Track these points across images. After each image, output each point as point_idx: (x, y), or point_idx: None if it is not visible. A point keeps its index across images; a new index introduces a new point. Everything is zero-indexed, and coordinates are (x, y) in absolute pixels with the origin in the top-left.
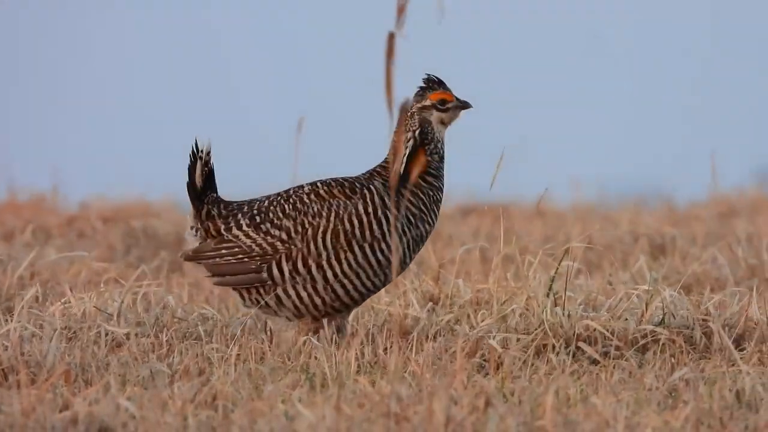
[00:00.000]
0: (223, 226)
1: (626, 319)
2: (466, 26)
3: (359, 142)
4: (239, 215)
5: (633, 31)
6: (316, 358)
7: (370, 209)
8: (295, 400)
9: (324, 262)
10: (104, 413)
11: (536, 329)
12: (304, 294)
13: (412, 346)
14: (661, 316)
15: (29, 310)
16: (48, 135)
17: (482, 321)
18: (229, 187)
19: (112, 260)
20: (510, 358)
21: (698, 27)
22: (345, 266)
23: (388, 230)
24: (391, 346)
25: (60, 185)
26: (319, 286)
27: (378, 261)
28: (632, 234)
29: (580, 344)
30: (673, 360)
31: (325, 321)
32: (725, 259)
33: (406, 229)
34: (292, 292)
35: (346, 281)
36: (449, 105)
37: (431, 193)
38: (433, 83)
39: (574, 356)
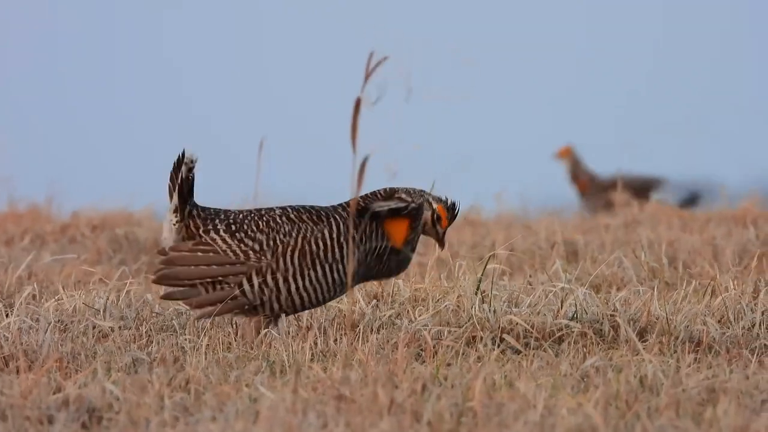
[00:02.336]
0: (201, 227)
1: (544, 315)
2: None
3: (319, 162)
4: (216, 221)
5: (546, 54)
6: (275, 347)
7: (335, 234)
8: (257, 384)
9: (290, 277)
10: (92, 395)
11: (466, 323)
12: (266, 301)
13: (359, 337)
14: (574, 312)
15: (27, 306)
16: (44, 153)
17: (419, 316)
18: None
19: (99, 263)
20: (444, 348)
21: (606, 52)
22: (306, 281)
23: (347, 255)
24: (340, 338)
25: (54, 197)
26: (282, 296)
27: (333, 279)
28: (549, 241)
29: (505, 336)
30: (584, 350)
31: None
32: (630, 263)
33: (361, 262)
34: (257, 299)
35: (304, 294)
36: (437, 225)
37: (395, 256)
38: (451, 207)
39: (499, 346)
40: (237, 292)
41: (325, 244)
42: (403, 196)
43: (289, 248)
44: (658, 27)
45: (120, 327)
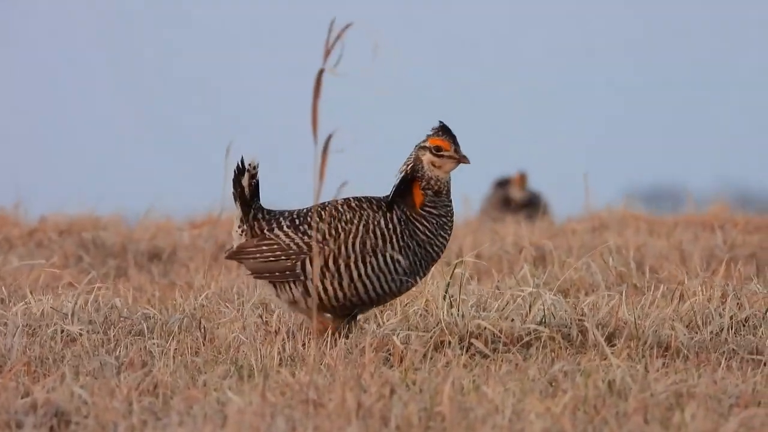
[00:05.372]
0: (266, 227)
1: (512, 319)
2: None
3: (286, 166)
4: (281, 218)
5: (516, 57)
6: (243, 351)
7: (390, 225)
8: (225, 388)
9: (351, 263)
10: (60, 399)
11: (434, 327)
12: (330, 288)
13: (327, 341)
14: (542, 317)
15: None
16: (11, 157)
17: (388, 320)
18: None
19: (67, 267)
20: (412, 352)
21: (575, 58)
22: (369, 269)
23: (406, 245)
24: (309, 342)
25: (22, 202)
26: (345, 282)
27: (395, 269)
28: (517, 245)
29: (473, 341)
30: (553, 354)
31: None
32: (597, 267)
33: (417, 250)
34: (319, 286)
35: (367, 282)
36: (443, 153)
37: (434, 221)
38: (440, 130)
39: (467, 351)
40: (299, 270)
41: (382, 234)
42: (398, 171)
43: (351, 235)
44: (632, 34)
45: (88, 331)
